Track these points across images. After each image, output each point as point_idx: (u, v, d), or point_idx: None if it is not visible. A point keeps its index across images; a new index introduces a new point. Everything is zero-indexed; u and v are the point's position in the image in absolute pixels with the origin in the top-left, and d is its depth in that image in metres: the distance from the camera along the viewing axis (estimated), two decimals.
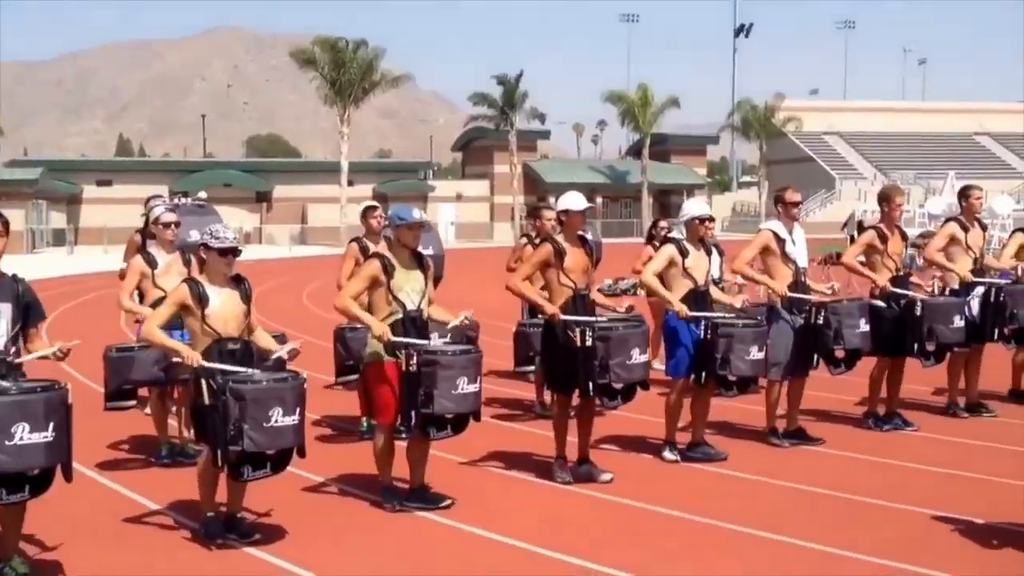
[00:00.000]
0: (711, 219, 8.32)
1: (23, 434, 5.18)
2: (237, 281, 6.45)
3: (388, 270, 6.90)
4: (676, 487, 7.68)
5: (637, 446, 8.89)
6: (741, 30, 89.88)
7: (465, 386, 6.76)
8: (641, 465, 8.34)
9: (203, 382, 6.09)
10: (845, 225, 39.81)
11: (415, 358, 6.71)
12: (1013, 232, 10.66)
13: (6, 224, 5.72)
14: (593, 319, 7.62)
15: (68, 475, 5.51)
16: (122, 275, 10.15)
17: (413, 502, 7.10)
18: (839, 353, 8.98)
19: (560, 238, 7.69)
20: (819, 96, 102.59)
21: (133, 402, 8.28)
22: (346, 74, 60.45)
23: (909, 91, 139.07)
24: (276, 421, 5.96)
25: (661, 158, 74.94)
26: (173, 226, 8.45)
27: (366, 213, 9.47)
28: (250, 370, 6.20)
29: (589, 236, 8.00)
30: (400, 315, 6.90)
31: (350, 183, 62.05)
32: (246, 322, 6.44)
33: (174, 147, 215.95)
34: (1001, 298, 9.63)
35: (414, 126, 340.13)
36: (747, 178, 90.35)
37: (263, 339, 6.63)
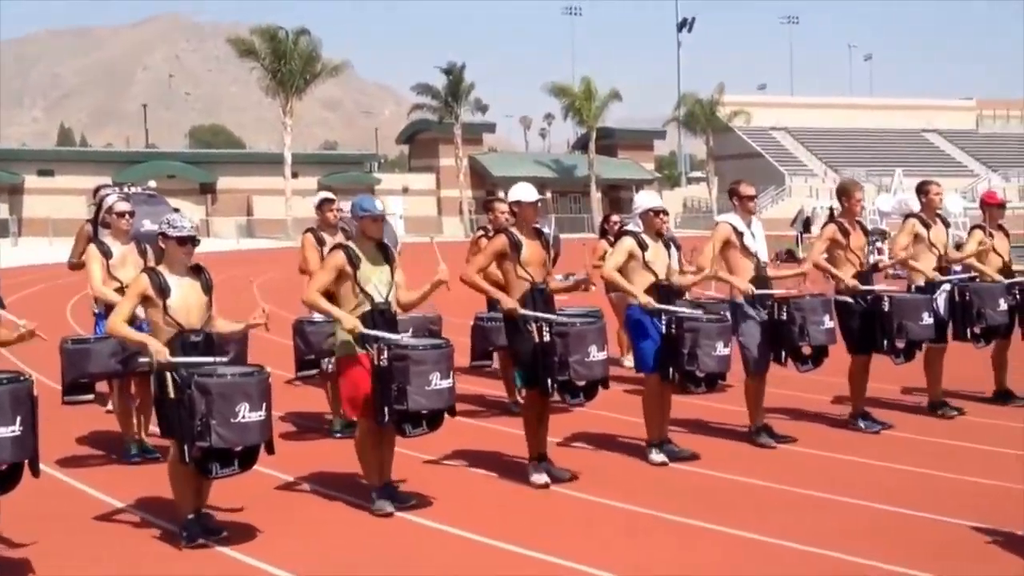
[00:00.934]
0: (665, 211, 8.19)
1: None
2: (197, 271, 6.33)
3: (354, 262, 6.77)
4: (649, 485, 7.55)
5: (607, 444, 8.75)
6: (684, 24, 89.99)
7: (438, 381, 6.59)
8: (609, 462, 8.25)
9: (167, 376, 5.94)
10: (794, 222, 39.91)
11: (386, 352, 6.55)
12: (972, 229, 10.51)
13: None
14: (551, 316, 7.45)
15: (36, 470, 5.36)
16: (73, 267, 9.93)
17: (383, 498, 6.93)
18: (806, 350, 8.82)
19: (515, 230, 7.50)
20: (767, 92, 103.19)
21: (91, 395, 8.15)
22: (287, 64, 59.93)
23: (856, 87, 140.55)
24: (243, 417, 5.84)
25: (608, 152, 75.01)
26: (127, 215, 8.24)
27: (322, 205, 9.36)
28: (217, 359, 6.11)
29: (546, 229, 7.87)
30: (368, 308, 6.77)
31: (295, 175, 61.42)
32: (208, 313, 6.30)
33: (116, 137, 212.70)
34: (967, 297, 9.53)
35: (359, 118, 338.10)
36: (696, 173, 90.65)
37: (224, 325, 6.52)
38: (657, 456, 8.11)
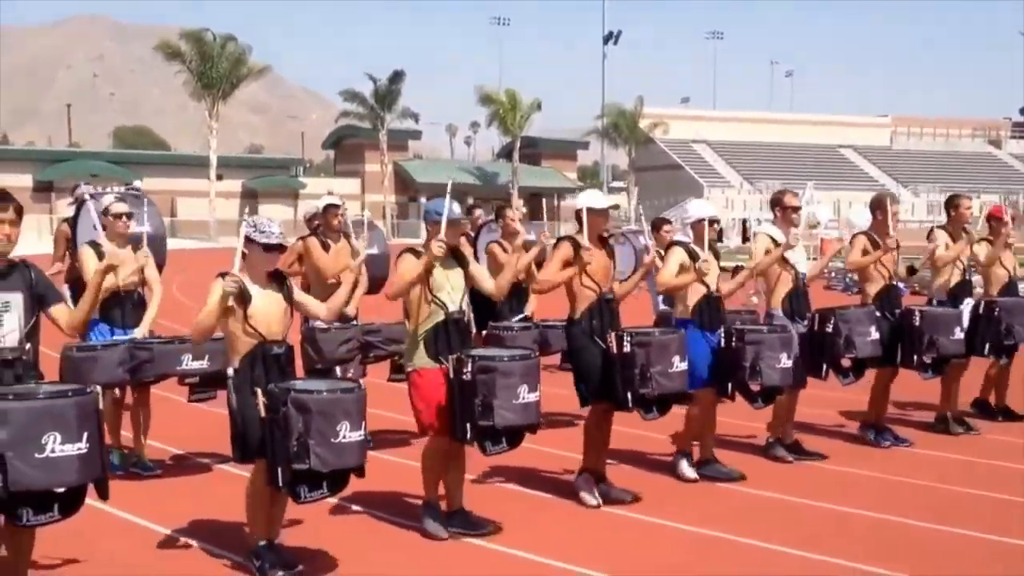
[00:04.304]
0: (718, 220, 7.86)
1: (54, 445, 4.51)
2: (278, 279, 5.86)
3: (426, 267, 6.26)
4: (699, 505, 7.25)
5: (646, 463, 8.36)
6: (610, 37, 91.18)
7: (526, 395, 6.13)
8: (656, 483, 7.79)
9: (257, 392, 5.44)
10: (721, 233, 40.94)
11: (470, 364, 6.07)
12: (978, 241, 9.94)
13: (20, 211, 5.05)
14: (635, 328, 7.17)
15: (104, 492, 4.82)
16: (57, 269, 9.61)
17: (456, 527, 6.47)
18: (845, 363, 8.60)
19: (580, 237, 7.06)
20: (690, 105, 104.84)
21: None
22: (214, 69, 59.79)
23: (777, 103, 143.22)
24: (343, 436, 5.32)
25: (532, 161, 75.99)
26: (125, 217, 7.86)
27: (327, 211, 9.03)
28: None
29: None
30: (441, 317, 6.29)
31: (219, 177, 61.41)
32: (289, 323, 5.85)
33: (37, 136, 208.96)
34: (995, 312, 9.29)
35: (286, 122, 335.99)
36: (618, 183, 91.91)
37: (313, 304, 6.21)
38: (689, 472, 7.81)
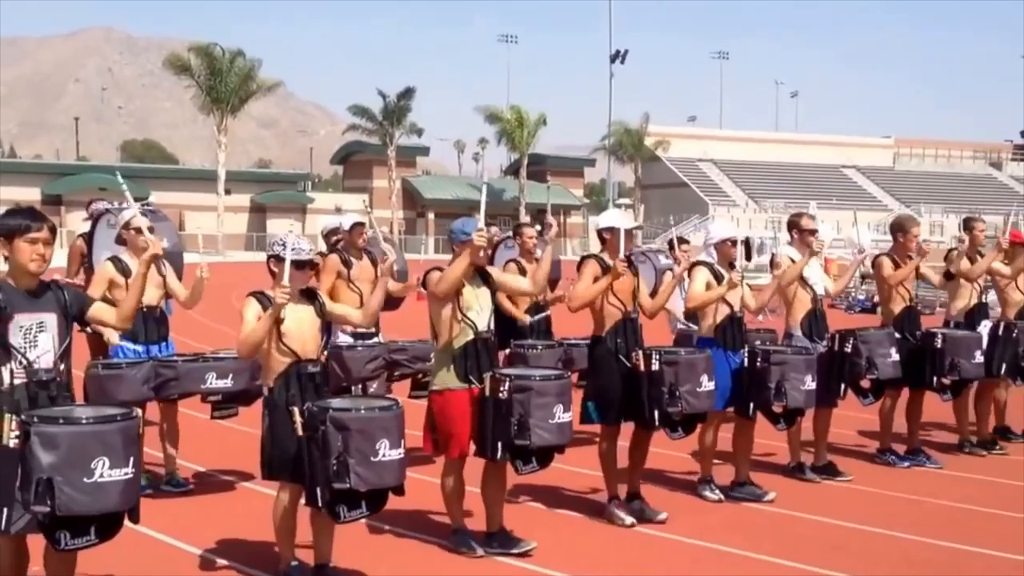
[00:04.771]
0: (741, 241, 7.81)
1: (103, 470, 4.42)
2: (310, 296, 5.80)
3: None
4: (731, 525, 7.22)
5: (668, 482, 8.36)
6: (617, 56, 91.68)
7: (561, 414, 6.13)
8: (678, 501, 7.77)
9: (294, 411, 5.39)
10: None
11: (505, 384, 6.08)
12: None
13: (53, 230, 4.96)
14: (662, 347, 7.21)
15: (136, 516, 4.73)
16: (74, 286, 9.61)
17: (495, 547, 6.42)
18: (865, 383, 8.66)
19: (605, 256, 7.12)
20: (696, 123, 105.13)
21: None
22: (223, 83, 60.17)
23: (783, 122, 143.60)
24: (383, 455, 5.25)
25: (539, 178, 76.37)
26: (146, 231, 7.48)
27: (353, 229, 8.96)
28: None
29: (663, 259, 7.43)
30: (471, 336, 6.25)
31: (227, 192, 61.80)
32: (322, 341, 5.80)
33: (46, 149, 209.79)
34: (1013, 334, 9.40)
35: (295, 137, 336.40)
36: (624, 200, 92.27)
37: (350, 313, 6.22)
38: (712, 493, 7.79)
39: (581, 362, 8.45)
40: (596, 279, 7.01)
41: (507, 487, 6.77)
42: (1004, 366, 9.40)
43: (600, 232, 7.21)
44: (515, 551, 6.39)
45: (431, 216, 72.52)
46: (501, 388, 6.06)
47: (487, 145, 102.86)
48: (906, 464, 9.06)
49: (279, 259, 5.56)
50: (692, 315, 8.54)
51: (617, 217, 7.28)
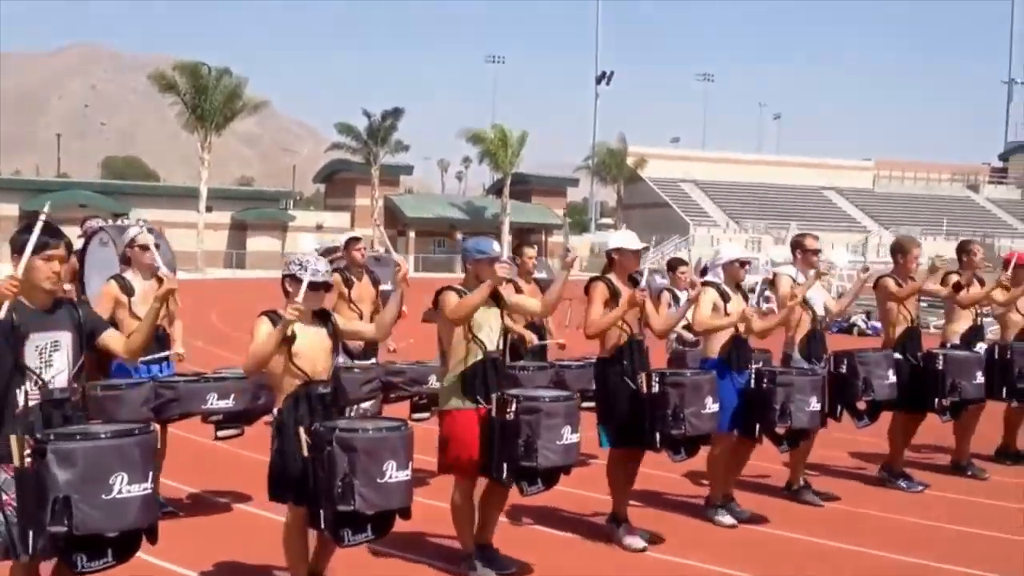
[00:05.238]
0: (749, 262, 7.84)
1: (121, 486, 4.33)
2: (323, 317, 5.71)
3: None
4: (720, 545, 7.25)
5: (663, 503, 8.36)
6: (603, 77, 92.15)
7: (569, 436, 6.07)
8: (674, 523, 7.77)
9: (300, 431, 5.29)
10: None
11: (513, 404, 6.02)
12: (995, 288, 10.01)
13: (69, 247, 4.90)
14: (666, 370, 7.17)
15: (155, 536, 4.60)
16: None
17: (479, 562, 6.42)
18: (860, 405, 8.62)
19: (612, 278, 7.09)
20: (679, 145, 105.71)
21: None
22: (208, 101, 60.18)
23: (765, 144, 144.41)
24: (390, 476, 5.15)
25: (523, 197, 76.61)
26: (152, 248, 7.56)
27: (349, 244, 8.92)
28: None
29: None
30: (480, 356, 6.22)
31: (209, 209, 61.71)
32: (335, 360, 5.74)
33: (27, 165, 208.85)
34: (1008, 355, 9.38)
35: (278, 155, 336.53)
36: (607, 220, 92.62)
37: (364, 326, 6.13)
38: (726, 518, 7.73)
39: (573, 384, 8.43)
40: (606, 302, 6.96)
41: (505, 506, 6.75)
42: (1006, 389, 9.38)
43: (609, 253, 7.17)
44: (500, 572, 6.35)
45: (412, 235, 72.59)
46: (508, 409, 6.01)
47: (471, 164, 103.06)
48: (919, 489, 8.99)
49: (296, 279, 5.51)
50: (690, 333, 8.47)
51: (626, 238, 7.22)
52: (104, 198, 65.98)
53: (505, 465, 6.03)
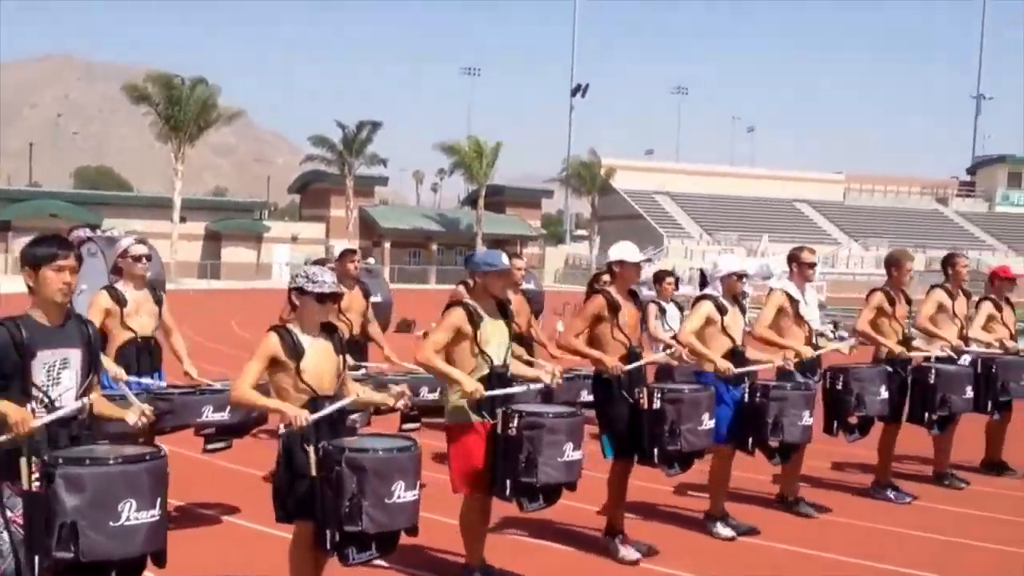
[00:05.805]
0: (747, 275, 7.75)
1: (130, 513, 4.25)
2: (329, 330, 5.51)
3: (475, 320, 6.14)
4: (727, 558, 7.24)
5: (657, 515, 8.36)
6: (578, 89, 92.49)
7: (571, 452, 5.99)
8: (666, 534, 7.73)
9: (309, 450, 5.13)
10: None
11: (516, 420, 5.96)
12: (980, 301, 10.20)
13: (80, 258, 4.79)
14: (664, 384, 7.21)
15: (163, 561, 4.48)
16: None
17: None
18: (852, 420, 8.64)
19: (612, 291, 7.10)
20: (653, 157, 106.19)
21: None
22: (181, 112, 60.04)
23: (738, 157, 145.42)
24: (398, 497, 5.02)
25: (497, 209, 76.86)
26: (144, 259, 7.64)
27: (343, 256, 8.92)
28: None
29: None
30: (486, 371, 6.18)
31: (183, 219, 61.57)
32: (342, 377, 5.53)
33: None
34: (993, 369, 9.45)
35: (252, 165, 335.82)
36: (581, 232, 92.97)
37: (360, 391, 5.71)
38: (725, 530, 7.68)
39: (560, 396, 8.34)
40: (600, 317, 6.97)
41: (496, 520, 6.68)
42: (990, 403, 9.49)
43: (610, 265, 7.17)
44: None
45: (387, 245, 72.65)
46: (511, 424, 5.94)
47: (445, 176, 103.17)
48: (907, 500, 9.00)
49: (302, 291, 5.35)
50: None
51: (626, 250, 7.15)
52: (76, 208, 65.68)
53: (508, 482, 5.97)
